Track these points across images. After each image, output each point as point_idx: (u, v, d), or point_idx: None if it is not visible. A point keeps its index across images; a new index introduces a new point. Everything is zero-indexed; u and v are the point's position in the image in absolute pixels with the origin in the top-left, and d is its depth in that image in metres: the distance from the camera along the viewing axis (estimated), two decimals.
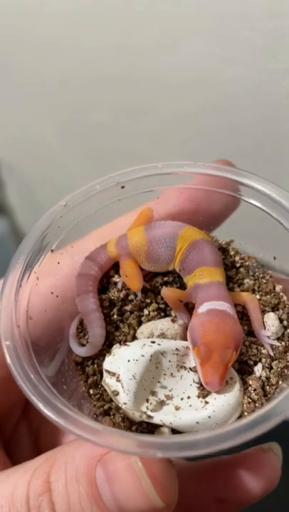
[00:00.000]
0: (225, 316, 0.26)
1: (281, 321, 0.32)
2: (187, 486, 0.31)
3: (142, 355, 0.29)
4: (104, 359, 0.31)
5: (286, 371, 0.30)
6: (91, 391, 0.31)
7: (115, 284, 0.32)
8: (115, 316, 0.32)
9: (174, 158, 0.75)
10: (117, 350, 0.30)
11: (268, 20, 0.54)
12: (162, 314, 0.33)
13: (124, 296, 0.32)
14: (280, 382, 0.29)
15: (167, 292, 0.30)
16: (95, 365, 0.32)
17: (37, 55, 0.82)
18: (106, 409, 0.29)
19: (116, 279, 0.32)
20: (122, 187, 0.34)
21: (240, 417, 0.28)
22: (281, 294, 0.33)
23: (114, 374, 0.29)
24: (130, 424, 0.28)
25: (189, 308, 0.32)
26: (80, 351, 0.31)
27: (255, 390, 0.28)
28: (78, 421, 0.23)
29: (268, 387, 0.29)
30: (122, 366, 0.29)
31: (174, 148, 0.75)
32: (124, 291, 0.32)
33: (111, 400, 0.29)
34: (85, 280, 0.31)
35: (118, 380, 0.29)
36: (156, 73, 0.69)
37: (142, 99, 0.73)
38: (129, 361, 0.28)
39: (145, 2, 0.63)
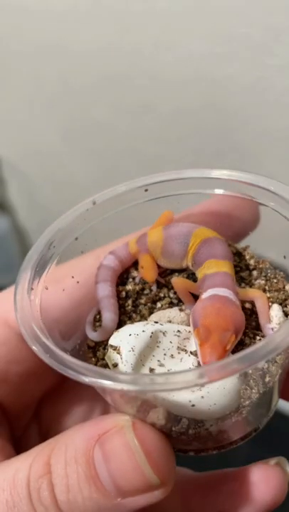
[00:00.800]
0: (226, 301, 0.27)
1: (286, 314, 0.32)
2: (192, 497, 0.31)
3: (143, 331, 0.30)
4: None
5: (288, 361, 0.31)
6: None
7: (133, 278, 0.34)
8: (130, 307, 0.34)
9: (173, 155, 0.75)
10: (122, 327, 0.32)
11: (265, 16, 0.55)
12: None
13: (140, 290, 0.34)
14: (280, 371, 0.30)
15: (177, 280, 0.31)
16: (106, 350, 0.32)
17: (37, 53, 0.82)
18: None
19: (134, 274, 0.34)
20: (146, 190, 0.36)
21: (239, 407, 0.29)
22: None
23: (115, 348, 0.30)
24: None
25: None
26: (93, 335, 0.32)
27: (254, 378, 0.28)
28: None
29: (267, 377, 0.30)
30: (123, 339, 0.30)
31: (173, 146, 0.75)
32: (140, 285, 0.34)
33: None
34: (105, 271, 0.33)
35: (118, 353, 0.29)
36: (155, 71, 0.69)
37: (142, 97, 0.73)
38: (130, 335, 0.29)
39: (143, 0, 0.63)
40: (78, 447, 0.21)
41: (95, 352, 0.33)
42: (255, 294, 0.30)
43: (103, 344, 0.33)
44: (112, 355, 0.30)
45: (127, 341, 0.29)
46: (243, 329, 0.27)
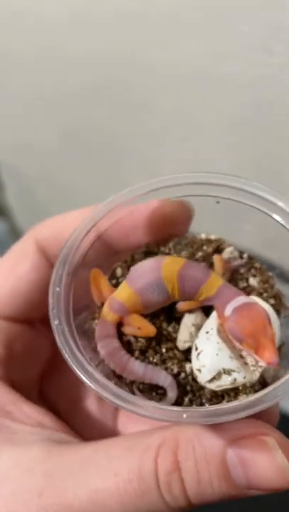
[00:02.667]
0: (246, 305, 0.28)
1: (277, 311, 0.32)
2: None
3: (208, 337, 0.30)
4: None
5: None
6: None
7: (128, 342, 0.31)
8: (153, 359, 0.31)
9: (172, 154, 0.75)
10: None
11: (263, 14, 0.54)
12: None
13: (146, 347, 0.31)
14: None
15: (183, 306, 0.31)
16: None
17: (34, 55, 0.82)
18: None
19: (126, 338, 0.31)
20: (218, 202, 0.32)
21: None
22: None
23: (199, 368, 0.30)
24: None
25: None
26: (169, 401, 0.30)
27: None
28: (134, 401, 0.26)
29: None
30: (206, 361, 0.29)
31: (172, 146, 0.75)
32: (140, 342, 0.31)
33: None
34: (110, 356, 0.30)
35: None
36: (153, 69, 0.69)
37: (139, 97, 0.73)
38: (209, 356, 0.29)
39: (139, 0, 0.63)
40: (209, 448, 0.24)
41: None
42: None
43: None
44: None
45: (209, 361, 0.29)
46: (270, 316, 0.28)
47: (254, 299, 0.31)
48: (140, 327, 0.30)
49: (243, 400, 0.26)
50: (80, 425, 0.33)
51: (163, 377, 0.29)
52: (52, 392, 0.37)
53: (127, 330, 0.31)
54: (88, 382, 0.27)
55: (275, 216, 0.31)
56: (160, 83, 0.69)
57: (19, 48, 0.81)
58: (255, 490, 0.24)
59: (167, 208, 0.31)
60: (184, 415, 0.24)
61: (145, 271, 0.30)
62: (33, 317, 0.36)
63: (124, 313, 0.30)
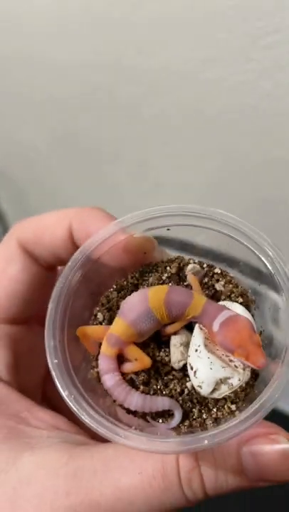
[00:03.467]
0: (232, 318, 0.30)
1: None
2: None
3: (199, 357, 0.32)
4: None
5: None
6: None
7: (131, 379, 0.33)
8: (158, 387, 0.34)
9: (158, 159, 0.76)
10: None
11: (242, 22, 0.56)
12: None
13: (147, 379, 0.33)
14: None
15: (169, 329, 0.33)
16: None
17: (24, 63, 0.83)
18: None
19: (128, 376, 0.33)
20: (168, 229, 0.35)
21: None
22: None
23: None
24: None
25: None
26: (173, 424, 0.32)
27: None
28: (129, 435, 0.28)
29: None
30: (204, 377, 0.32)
31: (157, 150, 0.76)
32: (141, 376, 0.33)
33: None
34: (117, 388, 0.32)
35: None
36: (138, 78, 0.70)
37: (126, 104, 0.75)
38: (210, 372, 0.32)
39: (125, 8, 0.65)
40: (226, 448, 0.27)
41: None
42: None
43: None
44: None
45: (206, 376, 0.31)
46: (253, 322, 0.31)
47: (233, 306, 0.33)
48: (137, 358, 0.32)
49: (242, 415, 0.28)
50: (83, 425, 0.34)
51: (161, 402, 0.31)
52: (54, 394, 0.37)
53: (125, 368, 0.33)
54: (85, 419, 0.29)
55: (221, 229, 0.34)
56: (145, 90, 0.71)
57: (8, 55, 0.83)
58: (267, 482, 0.27)
59: (131, 241, 0.33)
60: (180, 447, 0.27)
61: (134, 304, 0.32)
62: (29, 316, 0.37)
63: (121, 345, 0.32)
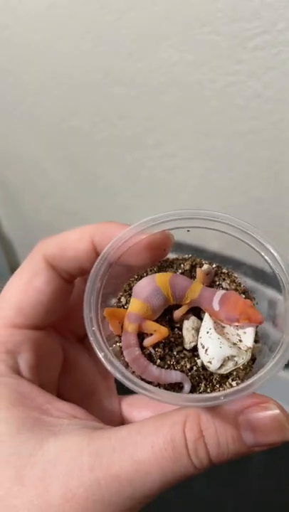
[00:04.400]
0: (225, 295, 0.35)
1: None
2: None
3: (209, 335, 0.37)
4: None
5: None
6: None
7: (150, 354, 0.37)
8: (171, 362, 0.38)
9: (151, 160, 0.77)
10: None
11: (230, 24, 0.57)
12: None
13: (163, 354, 0.37)
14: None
15: (178, 313, 0.38)
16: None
17: (15, 64, 0.84)
18: None
19: (147, 351, 0.37)
20: (188, 230, 0.40)
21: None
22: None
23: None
24: None
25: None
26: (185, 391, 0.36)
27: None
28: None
29: None
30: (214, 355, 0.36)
31: (150, 151, 0.77)
32: (158, 352, 0.37)
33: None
34: (139, 360, 0.36)
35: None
36: (129, 79, 0.70)
37: (118, 105, 0.75)
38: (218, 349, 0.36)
39: (113, 11, 0.65)
40: (225, 418, 0.30)
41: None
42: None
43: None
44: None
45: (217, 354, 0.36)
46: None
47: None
48: (156, 330, 0.36)
49: (241, 384, 0.33)
50: (93, 415, 0.39)
51: (174, 375, 0.36)
52: (66, 389, 0.42)
53: (147, 342, 0.37)
54: (121, 378, 0.33)
55: (231, 232, 0.39)
56: (136, 92, 0.71)
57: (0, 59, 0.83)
58: (261, 446, 0.31)
59: (152, 238, 0.38)
60: (185, 402, 0.31)
61: (144, 285, 0.37)
62: (49, 324, 0.41)
63: (139, 321, 0.36)
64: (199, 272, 0.39)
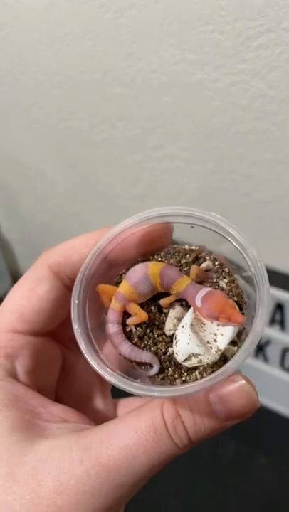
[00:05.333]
0: (209, 292, 0.36)
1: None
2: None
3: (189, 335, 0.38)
4: None
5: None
6: None
7: (130, 331, 0.40)
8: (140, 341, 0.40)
9: (151, 161, 0.76)
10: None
11: (234, 22, 0.55)
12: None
13: (142, 334, 0.40)
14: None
15: (164, 301, 0.39)
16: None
17: (12, 65, 0.83)
18: None
19: (129, 328, 0.40)
20: (192, 226, 0.41)
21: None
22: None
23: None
24: None
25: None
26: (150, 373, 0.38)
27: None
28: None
29: None
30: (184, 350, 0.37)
31: (150, 152, 0.76)
32: (138, 331, 0.40)
33: None
34: (115, 335, 0.39)
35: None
36: (129, 79, 0.69)
37: (117, 106, 0.74)
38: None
39: (113, 10, 0.64)
40: (198, 398, 0.33)
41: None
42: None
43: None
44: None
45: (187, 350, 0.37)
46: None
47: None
48: (136, 313, 0.38)
49: (208, 376, 0.35)
50: (89, 418, 0.40)
51: (144, 356, 0.38)
52: (64, 393, 0.44)
53: (129, 321, 0.39)
54: (96, 368, 0.35)
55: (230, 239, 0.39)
56: (136, 92, 0.70)
57: None
58: (232, 419, 0.33)
59: (152, 228, 0.39)
60: (155, 393, 0.33)
61: (137, 271, 0.39)
62: (49, 330, 0.42)
63: (125, 302, 0.39)
64: (193, 268, 0.41)
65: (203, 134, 0.67)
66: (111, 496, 0.31)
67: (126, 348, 0.38)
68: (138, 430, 0.32)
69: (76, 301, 0.38)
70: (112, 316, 0.39)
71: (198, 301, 0.37)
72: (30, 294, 0.40)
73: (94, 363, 0.36)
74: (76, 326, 0.37)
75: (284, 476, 0.73)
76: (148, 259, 0.42)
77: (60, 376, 0.44)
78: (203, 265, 0.41)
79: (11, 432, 0.34)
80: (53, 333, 0.43)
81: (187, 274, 0.41)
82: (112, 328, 0.39)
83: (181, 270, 0.41)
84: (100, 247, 0.40)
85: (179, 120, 0.68)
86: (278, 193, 0.66)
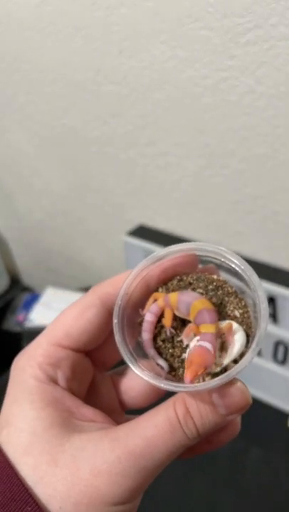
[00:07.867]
0: (204, 349, 0.39)
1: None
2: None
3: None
4: None
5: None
6: None
7: (161, 329, 0.44)
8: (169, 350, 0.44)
9: (144, 158, 0.76)
10: None
11: (222, 19, 0.56)
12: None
13: (166, 336, 0.44)
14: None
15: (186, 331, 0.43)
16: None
17: (5, 64, 0.83)
18: None
19: (164, 328, 0.44)
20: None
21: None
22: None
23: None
24: None
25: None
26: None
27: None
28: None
29: None
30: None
31: (143, 149, 0.76)
32: (167, 332, 0.44)
33: None
34: (148, 325, 0.43)
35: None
36: (121, 77, 0.70)
37: (110, 103, 0.74)
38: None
39: (104, 8, 0.64)
40: (203, 398, 0.38)
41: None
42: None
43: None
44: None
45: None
46: (210, 365, 0.39)
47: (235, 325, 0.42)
48: (165, 317, 0.43)
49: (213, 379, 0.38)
50: (117, 416, 0.46)
51: (151, 352, 0.42)
52: (93, 401, 0.48)
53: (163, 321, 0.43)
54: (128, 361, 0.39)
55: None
56: (128, 90, 0.70)
57: None
58: (232, 415, 0.38)
59: (178, 260, 0.44)
60: (180, 388, 0.37)
61: (189, 294, 0.43)
62: (88, 350, 0.48)
63: (167, 305, 0.43)
64: (226, 323, 0.43)
65: (194, 130, 0.68)
66: (138, 477, 0.38)
67: (150, 350, 0.43)
68: (157, 424, 0.38)
69: (115, 321, 0.42)
70: (154, 308, 0.43)
71: (196, 342, 0.41)
72: (79, 316, 0.46)
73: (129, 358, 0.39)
74: (118, 336, 0.41)
75: (278, 469, 0.74)
76: (183, 279, 0.45)
77: (88, 390, 0.50)
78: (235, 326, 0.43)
79: (51, 427, 0.40)
80: (90, 352, 0.49)
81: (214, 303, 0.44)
82: (150, 316, 0.43)
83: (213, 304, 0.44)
84: (135, 273, 0.44)
85: (170, 117, 0.69)
86: (269, 187, 0.66)
